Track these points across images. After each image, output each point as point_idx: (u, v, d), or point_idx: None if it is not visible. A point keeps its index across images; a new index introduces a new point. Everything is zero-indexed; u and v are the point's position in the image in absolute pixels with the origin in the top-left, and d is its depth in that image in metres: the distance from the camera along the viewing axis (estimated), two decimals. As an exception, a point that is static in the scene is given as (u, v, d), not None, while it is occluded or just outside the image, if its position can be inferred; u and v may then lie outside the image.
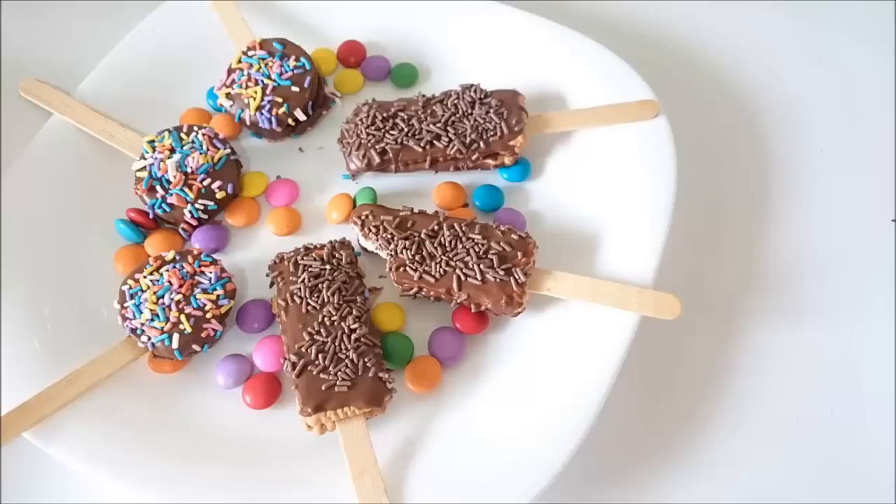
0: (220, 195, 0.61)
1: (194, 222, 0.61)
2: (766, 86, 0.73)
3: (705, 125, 0.70)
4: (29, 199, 0.61)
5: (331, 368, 0.54)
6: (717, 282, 0.64)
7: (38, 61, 0.73)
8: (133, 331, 0.55)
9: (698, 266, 0.64)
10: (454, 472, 0.53)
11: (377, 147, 0.63)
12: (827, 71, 0.74)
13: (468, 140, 0.62)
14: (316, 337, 0.55)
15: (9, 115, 0.70)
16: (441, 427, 0.55)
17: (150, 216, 0.61)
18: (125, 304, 0.56)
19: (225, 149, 0.63)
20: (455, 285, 0.56)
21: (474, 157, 0.63)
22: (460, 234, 0.58)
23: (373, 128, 0.63)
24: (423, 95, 0.65)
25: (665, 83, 0.67)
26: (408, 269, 0.57)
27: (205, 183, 0.61)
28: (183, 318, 0.55)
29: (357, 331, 0.55)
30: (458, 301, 0.57)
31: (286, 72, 0.65)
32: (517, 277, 0.56)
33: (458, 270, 0.56)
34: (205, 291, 0.56)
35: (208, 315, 0.56)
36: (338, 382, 0.53)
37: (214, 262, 0.58)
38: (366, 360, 0.54)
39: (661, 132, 0.63)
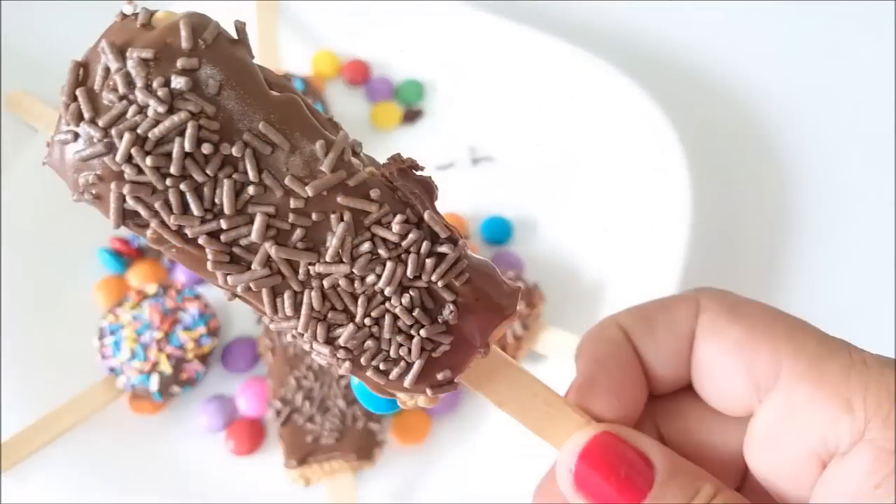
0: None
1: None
2: (770, 85, 0.69)
3: (710, 123, 0.66)
4: (11, 224, 0.58)
5: (318, 418, 0.51)
6: (721, 284, 0.60)
7: (36, 62, 0.70)
8: (112, 370, 0.52)
9: (708, 275, 0.60)
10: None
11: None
12: (835, 73, 0.70)
13: None
14: (303, 382, 0.51)
15: (7, 115, 0.67)
16: (432, 480, 0.52)
17: (135, 245, 0.57)
18: (104, 342, 0.53)
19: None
20: None
21: None
22: None
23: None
24: None
25: (669, 88, 0.63)
26: None
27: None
28: (163, 357, 0.52)
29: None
30: None
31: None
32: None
33: None
34: (187, 329, 0.53)
35: (189, 355, 0.52)
36: (324, 434, 0.50)
37: (198, 297, 0.54)
38: (356, 409, 0.50)
39: (669, 144, 0.59)
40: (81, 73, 0.23)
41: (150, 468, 0.52)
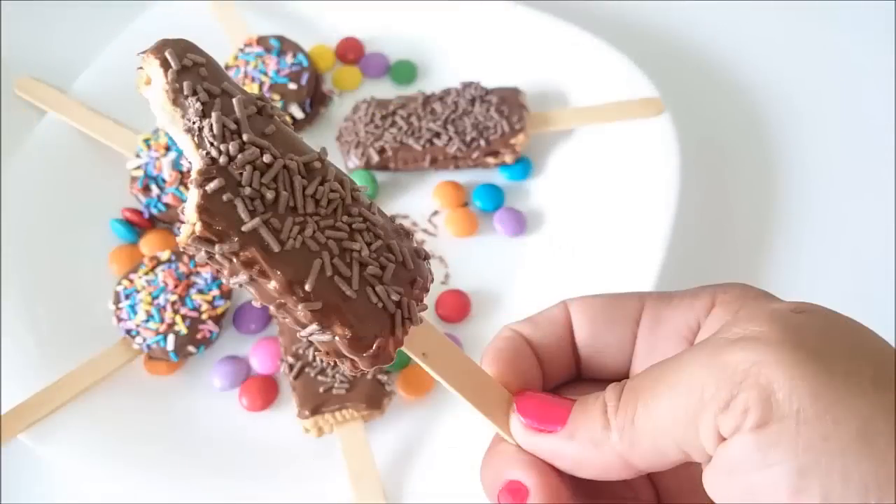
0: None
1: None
2: (771, 83, 0.72)
3: (710, 123, 0.69)
4: (23, 197, 0.60)
5: (329, 370, 0.53)
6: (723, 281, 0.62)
7: (33, 59, 0.72)
8: (128, 332, 0.55)
9: (703, 266, 0.63)
10: (453, 472, 0.52)
11: (376, 145, 0.62)
12: (833, 69, 0.73)
13: (468, 138, 0.62)
14: (313, 338, 0.54)
15: (3, 114, 0.69)
16: (439, 428, 0.54)
17: (146, 216, 0.60)
18: (120, 305, 0.55)
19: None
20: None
21: (475, 156, 0.62)
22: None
23: (371, 126, 0.62)
24: (423, 93, 0.64)
25: (669, 81, 0.66)
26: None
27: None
28: (178, 318, 0.54)
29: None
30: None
31: (283, 69, 0.64)
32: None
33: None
34: (200, 292, 0.55)
35: (204, 316, 0.55)
36: (336, 385, 0.52)
37: (210, 263, 0.57)
38: (364, 361, 0.53)
39: (664, 130, 0.62)
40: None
41: (166, 427, 0.54)
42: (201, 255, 0.26)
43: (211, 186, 0.25)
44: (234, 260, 0.26)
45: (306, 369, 0.53)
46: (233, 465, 0.53)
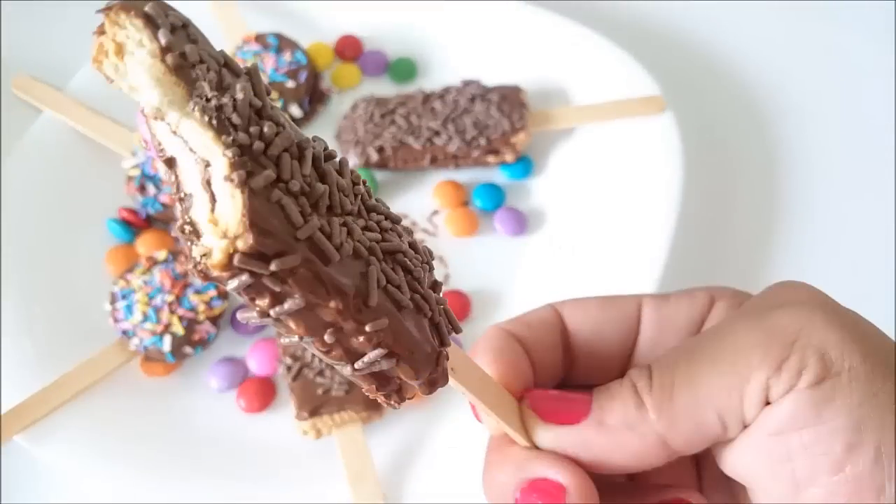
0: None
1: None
2: (773, 82, 0.72)
3: (712, 121, 0.69)
4: (20, 197, 0.60)
5: (327, 372, 0.52)
6: (726, 281, 0.62)
7: (30, 58, 0.72)
8: (125, 332, 0.54)
9: (704, 264, 0.62)
10: (451, 474, 0.51)
11: (375, 144, 0.61)
12: (833, 68, 0.72)
13: (468, 137, 0.61)
14: (312, 339, 0.53)
15: (7, 99, 0.68)
16: (438, 430, 0.54)
17: (142, 215, 0.59)
18: (116, 306, 0.54)
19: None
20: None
21: (475, 155, 0.61)
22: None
23: (371, 124, 0.62)
24: (423, 91, 0.63)
25: (671, 78, 0.65)
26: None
27: (198, 181, 0.59)
28: (175, 319, 0.54)
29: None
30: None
31: (281, 66, 0.63)
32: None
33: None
34: (197, 292, 0.55)
35: (201, 317, 0.54)
36: (334, 387, 0.52)
37: (208, 262, 0.56)
38: (363, 362, 0.53)
39: (667, 128, 0.61)
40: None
41: (165, 428, 0.54)
42: (242, 281, 0.19)
43: (258, 182, 0.19)
44: (290, 280, 0.20)
45: (304, 371, 0.53)
46: (231, 466, 0.53)
